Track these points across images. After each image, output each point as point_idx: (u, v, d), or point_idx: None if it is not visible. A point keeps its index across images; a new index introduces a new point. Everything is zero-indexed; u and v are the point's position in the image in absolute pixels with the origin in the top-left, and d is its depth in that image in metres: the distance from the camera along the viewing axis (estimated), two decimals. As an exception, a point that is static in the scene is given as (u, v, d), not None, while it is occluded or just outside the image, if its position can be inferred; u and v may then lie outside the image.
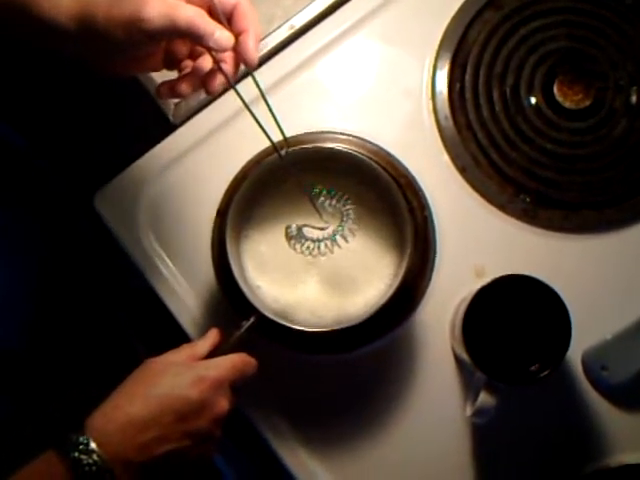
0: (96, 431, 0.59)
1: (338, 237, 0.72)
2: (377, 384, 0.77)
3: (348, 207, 0.73)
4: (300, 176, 0.71)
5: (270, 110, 0.65)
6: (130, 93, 0.79)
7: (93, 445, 0.58)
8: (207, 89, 0.63)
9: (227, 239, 0.70)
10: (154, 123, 0.82)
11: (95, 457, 0.57)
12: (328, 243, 0.72)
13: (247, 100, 0.63)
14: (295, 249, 0.72)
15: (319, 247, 0.72)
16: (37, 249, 0.78)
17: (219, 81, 0.63)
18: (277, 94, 0.81)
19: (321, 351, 0.75)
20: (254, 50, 0.61)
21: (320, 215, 0.73)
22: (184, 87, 0.63)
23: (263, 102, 0.65)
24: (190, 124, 0.83)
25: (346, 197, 0.73)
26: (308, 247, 0.72)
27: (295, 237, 0.72)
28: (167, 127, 0.82)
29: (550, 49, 0.82)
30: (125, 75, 0.64)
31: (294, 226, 0.73)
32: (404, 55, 0.83)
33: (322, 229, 0.73)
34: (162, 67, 0.65)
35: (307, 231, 0.73)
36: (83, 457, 0.57)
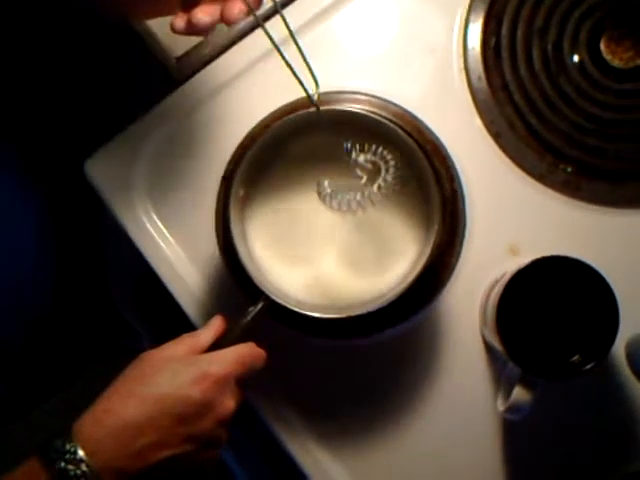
0: (85, 437, 0.54)
1: (380, 186, 0.66)
2: (398, 372, 0.73)
3: (388, 157, 0.67)
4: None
5: (301, 52, 0.62)
6: (127, 46, 0.75)
7: (81, 453, 0.53)
8: (225, 18, 0.59)
9: (231, 209, 0.65)
10: (153, 80, 0.77)
11: (84, 467, 0.53)
12: (368, 195, 0.67)
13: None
14: (332, 206, 0.67)
15: (358, 201, 0.67)
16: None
17: (238, 9, 0.58)
18: (287, 50, 0.74)
19: (337, 336, 0.71)
20: None
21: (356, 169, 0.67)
22: (201, 16, 0.59)
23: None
24: (193, 81, 0.77)
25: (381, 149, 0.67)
26: (348, 202, 0.66)
27: (330, 194, 0.67)
28: (168, 85, 0.77)
29: (597, 0, 0.75)
30: (136, 18, 0.60)
31: (326, 182, 0.67)
32: (432, 6, 0.77)
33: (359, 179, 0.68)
34: (179, 8, 0.60)
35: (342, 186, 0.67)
36: (70, 467, 0.53)
